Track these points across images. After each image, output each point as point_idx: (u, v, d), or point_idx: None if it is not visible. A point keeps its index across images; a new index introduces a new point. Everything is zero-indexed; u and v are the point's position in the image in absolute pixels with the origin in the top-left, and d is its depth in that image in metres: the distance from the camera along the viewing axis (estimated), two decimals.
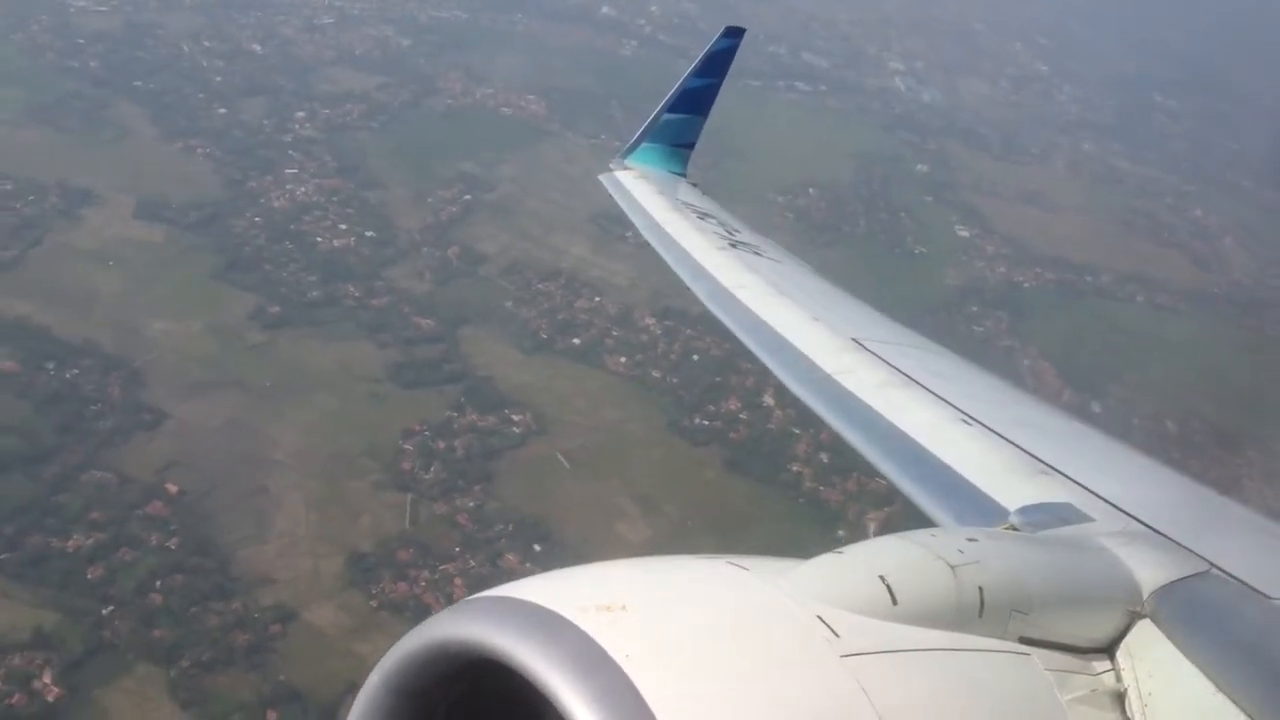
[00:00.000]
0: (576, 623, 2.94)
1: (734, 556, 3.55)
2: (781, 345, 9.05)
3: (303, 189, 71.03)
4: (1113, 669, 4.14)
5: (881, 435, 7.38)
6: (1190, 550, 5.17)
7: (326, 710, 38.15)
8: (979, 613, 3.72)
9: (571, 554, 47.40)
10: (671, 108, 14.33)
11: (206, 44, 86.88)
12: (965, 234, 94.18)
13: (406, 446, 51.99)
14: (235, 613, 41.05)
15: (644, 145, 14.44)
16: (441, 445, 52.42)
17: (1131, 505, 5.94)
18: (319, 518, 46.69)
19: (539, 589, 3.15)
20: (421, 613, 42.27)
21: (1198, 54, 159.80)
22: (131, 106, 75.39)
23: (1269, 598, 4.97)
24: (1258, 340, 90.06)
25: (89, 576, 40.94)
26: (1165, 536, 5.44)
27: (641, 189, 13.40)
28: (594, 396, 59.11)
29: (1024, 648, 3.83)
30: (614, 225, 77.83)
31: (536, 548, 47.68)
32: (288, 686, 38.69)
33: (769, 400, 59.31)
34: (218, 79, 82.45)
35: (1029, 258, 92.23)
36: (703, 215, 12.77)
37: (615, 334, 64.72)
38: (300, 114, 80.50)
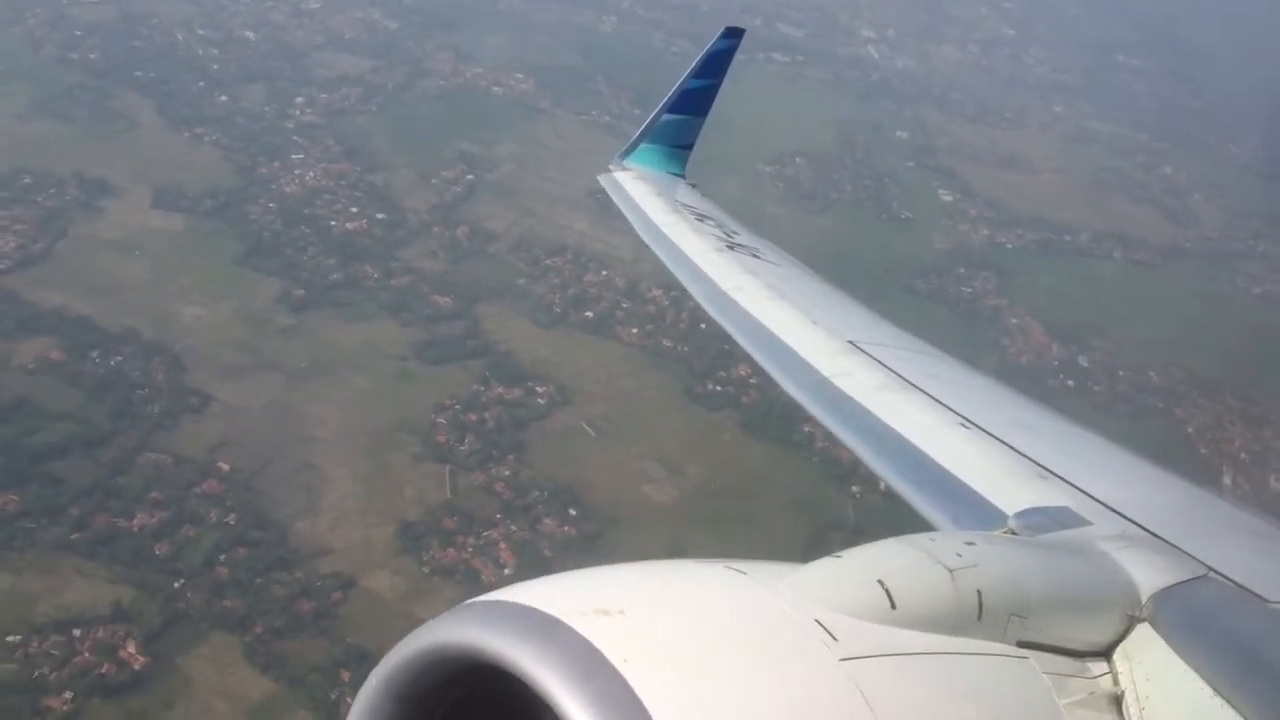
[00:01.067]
0: (575, 627, 2.95)
1: (732, 561, 3.54)
2: (779, 348, 9.11)
3: (311, 174, 72.66)
4: (1111, 672, 4.17)
5: (879, 439, 7.44)
6: (1188, 554, 5.18)
7: None
8: (977, 616, 3.74)
9: (605, 517, 50.25)
10: (670, 109, 14.31)
11: (200, 32, 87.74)
12: (948, 198, 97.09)
13: (440, 420, 54.23)
14: (298, 582, 43.29)
15: (643, 146, 14.46)
16: (473, 418, 54.70)
17: (1129, 509, 5.94)
18: (365, 490, 48.89)
19: (537, 593, 3.16)
20: (471, 577, 45.14)
21: (1157, 15, 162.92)
22: (135, 97, 76.47)
23: (1267, 601, 4.93)
24: (1230, 292, 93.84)
25: (157, 552, 43.01)
26: (1163, 540, 5.44)
27: (640, 190, 13.45)
28: (611, 367, 61.45)
29: (1022, 651, 3.86)
30: (611, 200, 79.89)
31: (572, 512, 50.15)
32: (356, 648, 40.90)
33: None
34: (215, 67, 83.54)
35: (1010, 219, 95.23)
36: (701, 217, 12.77)
37: (625, 306, 67.02)
38: (299, 99, 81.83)
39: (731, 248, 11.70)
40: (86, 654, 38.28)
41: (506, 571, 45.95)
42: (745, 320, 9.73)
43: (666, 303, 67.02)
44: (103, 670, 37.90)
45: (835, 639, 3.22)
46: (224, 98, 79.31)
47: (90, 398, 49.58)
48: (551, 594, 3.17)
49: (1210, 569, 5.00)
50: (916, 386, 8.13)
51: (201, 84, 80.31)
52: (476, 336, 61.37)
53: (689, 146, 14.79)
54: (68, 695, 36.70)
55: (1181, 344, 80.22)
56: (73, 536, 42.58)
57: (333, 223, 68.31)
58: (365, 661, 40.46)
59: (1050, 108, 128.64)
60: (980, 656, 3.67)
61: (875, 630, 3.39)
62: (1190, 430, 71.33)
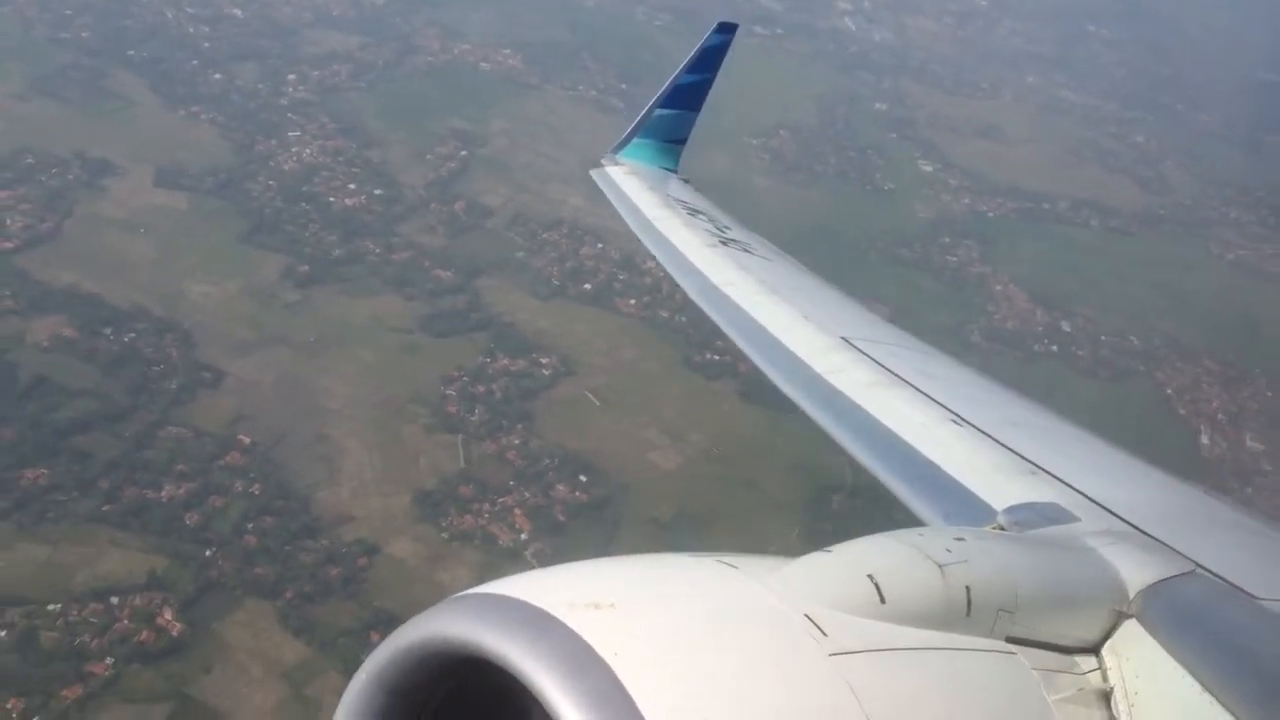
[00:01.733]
0: (565, 620, 2.96)
1: (723, 555, 3.57)
2: (771, 343, 9.09)
3: (308, 151, 73.47)
4: (1099, 668, 4.19)
5: (870, 435, 7.45)
6: (1176, 550, 5.20)
7: None
8: (966, 612, 3.76)
9: (614, 483, 51.83)
10: (664, 103, 14.23)
11: (189, 10, 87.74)
12: (929, 169, 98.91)
13: (449, 392, 55.58)
14: (324, 549, 44.68)
15: (635, 141, 14.37)
16: (480, 389, 56.08)
17: (1118, 505, 5.96)
18: (381, 460, 50.23)
19: (527, 587, 3.17)
20: (489, 541, 46.81)
21: None
22: (129, 76, 76.80)
23: (1254, 597, 4.96)
24: (1205, 258, 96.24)
25: (187, 523, 44.26)
26: (1151, 536, 5.47)
27: (632, 185, 13.39)
28: (611, 338, 62.90)
29: (1011, 647, 3.87)
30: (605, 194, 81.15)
31: (582, 478, 51.68)
32: (384, 612, 42.28)
33: None
34: (206, 45, 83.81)
35: (989, 189, 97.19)
36: (693, 212, 12.74)
37: (622, 278, 68.43)
38: (291, 77, 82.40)
39: (724, 243, 11.64)
40: (125, 621, 39.56)
41: (523, 537, 47.62)
42: (737, 315, 9.68)
43: (661, 274, 68.13)
44: (141, 637, 39.19)
45: (825, 634, 3.23)
46: (217, 76, 79.73)
47: (107, 374, 50.55)
48: (542, 587, 3.17)
49: (1198, 565, 4.99)
50: (908, 383, 8.12)
51: (194, 62, 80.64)
52: (479, 309, 62.69)
53: (682, 141, 14.66)
54: (109, 661, 37.94)
55: (1159, 309, 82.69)
56: (104, 508, 43.76)
57: (332, 199, 69.26)
58: (393, 624, 41.51)
59: (1024, 78, 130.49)
60: (969, 652, 3.69)
61: (865, 625, 3.40)
62: (1170, 392, 73.67)
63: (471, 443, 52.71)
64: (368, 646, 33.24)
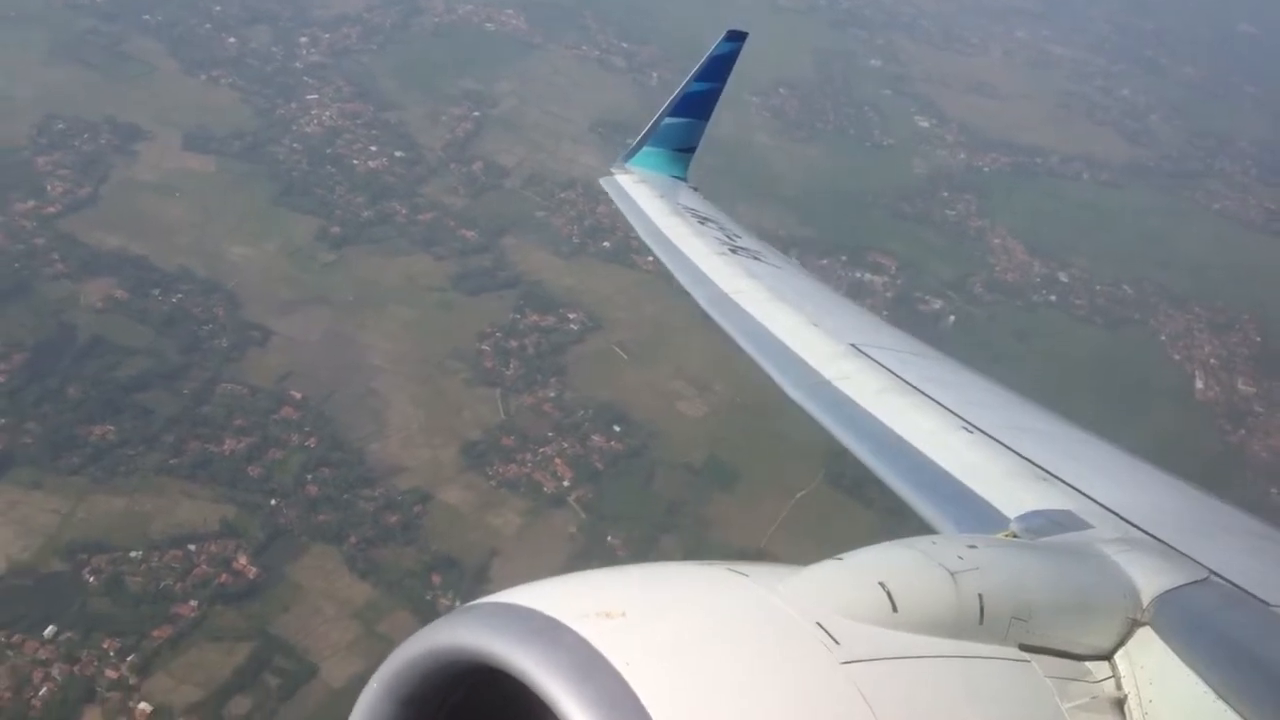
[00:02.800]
0: (576, 629, 2.95)
1: (733, 563, 3.53)
2: (781, 351, 9.06)
3: (327, 114, 75.17)
4: (1113, 676, 4.18)
5: (881, 442, 7.44)
6: (1190, 557, 5.19)
7: (479, 571, 44.65)
8: (979, 620, 3.75)
9: (646, 432, 54.36)
10: (673, 112, 14.24)
11: None
12: (925, 124, 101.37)
13: (484, 347, 57.91)
14: (381, 497, 47.06)
15: (645, 149, 14.40)
16: (514, 344, 58.42)
17: (1131, 512, 5.94)
18: (426, 413, 52.58)
19: (538, 595, 3.15)
20: (534, 488, 49.34)
21: None
22: (147, 41, 78.15)
23: (1268, 605, 4.92)
24: (1192, 208, 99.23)
25: (251, 474, 46.52)
26: (1165, 543, 5.45)
27: (642, 193, 13.41)
28: (632, 293, 65.19)
29: (1024, 655, 3.86)
30: (614, 134, 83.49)
31: (616, 428, 54.20)
32: (443, 554, 44.92)
33: None
34: (217, 8, 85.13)
35: (984, 143, 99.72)
36: (703, 220, 12.73)
37: (635, 235, 70.34)
38: (303, 39, 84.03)
39: (734, 251, 11.68)
40: (204, 566, 41.90)
41: (565, 484, 50.10)
42: (747, 323, 9.69)
43: None
44: (221, 580, 41.58)
45: (837, 642, 3.22)
46: (232, 39, 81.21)
47: (160, 334, 52.56)
48: (553, 596, 3.16)
49: (1212, 572, 4.97)
50: (918, 389, 8.13)
51: (208, 26, 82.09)
52: (505, 268, 64.89)
53: (691, 150, 14.70)
54: (193, 603, 40.27)
55: (1151, 259, 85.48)
56: (171, 461, 45.95)
57: (355, 161, 71.13)
58: (453, 566, 44.64)
59: (1012, 33, 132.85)
60: (982, 660, 3.68)
61: (877, 633, 3.40)
62: (1164, 338, 76.70)
63: (509, 395, 55.10)
64: (430, 587, 35.94)
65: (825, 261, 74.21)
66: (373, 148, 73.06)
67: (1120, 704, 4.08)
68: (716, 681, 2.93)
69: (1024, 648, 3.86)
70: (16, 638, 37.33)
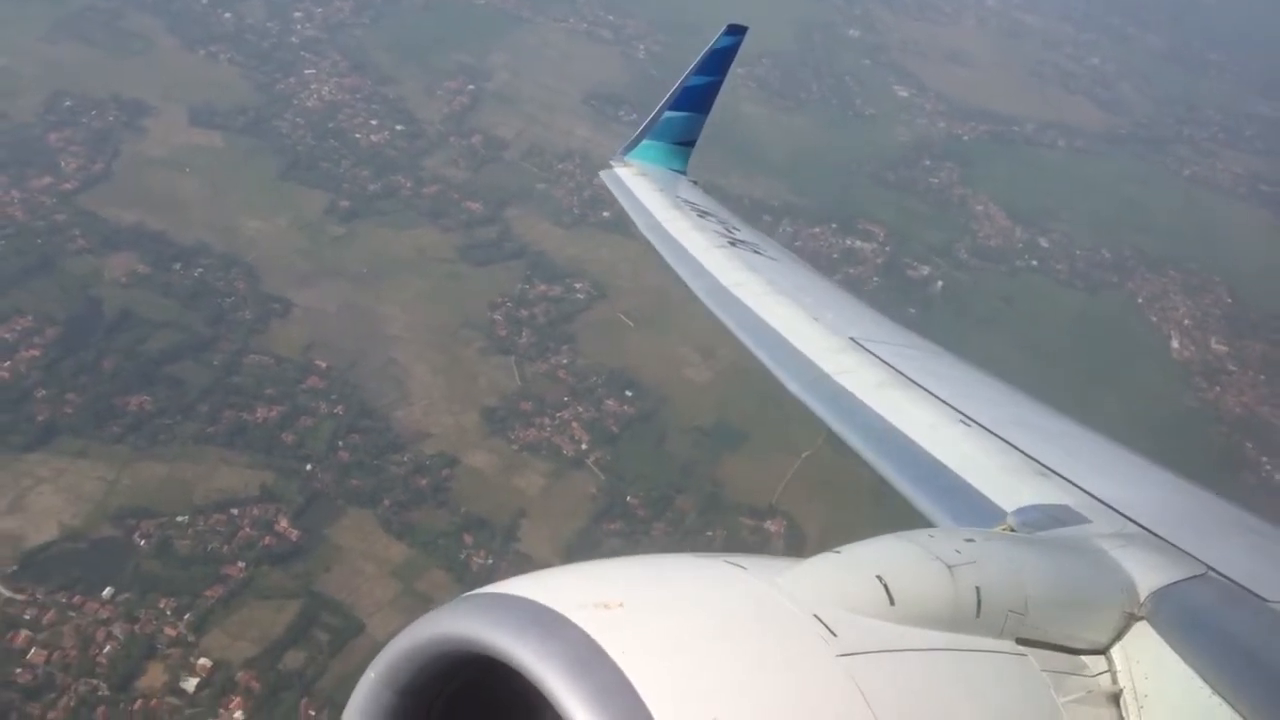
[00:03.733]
0: (574, 620, 2.96)
1: (732, 555, 3.56)
2: (780, 344, 9.04)
3: (326, 88, 76.35)
4: (1109, 670, 4.17)
5: (880, 435, 7.47)
6: (1187, 553, 5.19)
7: (508, 531, 46.71)
8: (976, 613, 3.75)
9: (657, 397, 56.50)
10: (673, 105, 14.21)
11: None
12: (904, 94, 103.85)
13: (496, 316, 59.79)
14: (410, 462, 48.97)
15: (645, 142, 14.37)
16: (524, 313, 60.38)
17: (1128, 507, 5.94)
18: (445, 381, 54.44)
19: (536, 586, 3.16)
20: (554, 451, 51.32)
21: None
22: (145, 17, 78.77)
23: (1265, 600, 4.92)
24: (1163, 175, 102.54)
25: (285, 441, 48.24)
26: (1162, 539, 5.45)
27: (642, 186, 13.36)
28: (634, 262, 66.94)
29: (1020, 648, 3.86)
30: (606, 105, 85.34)
31: (628, 393, 56.33)
32: (473, 516, 46.90)
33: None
34: None
35: (962, 112, 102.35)
36: (703, 213, 12.70)
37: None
38: (298, 14, 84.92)
39: (733, 244, 11.68)
40: (247, 529, 43.68)
41: (583, 446, 52.16)
42: (747, 316, 9.65)
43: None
44: (265, 542, 43.37)
45: (834, 634, 3.22)
46: (227, 15, 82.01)
47: (185, 307, 53.98)
48: (550, 587, 3.15)
49: (1209, 568, 4.98)
50: (917, 384, 8.15)
51: (204, 1, 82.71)
52: (510, 239, 66.70)
53: (691, 143, 14.66)
54: (240, 564, 42.07)
55: (1126, 224, 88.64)
56: (208, 430, 47.57)
57: (357, 136, 72.46)
58: (483, 526, 46.64)
59: (983, 1, 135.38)
60: (979, 653, 3.69)
61: (874, 626, 3.40)
62: (1141, 301, 79.74)
63: (524, 363, 57.06)
64: (462, 547, 38.03)
65: (817, 229, 76.63)
66: (373, 122, 74.40)
67: (1116, 698, 4.10)
68: (714, 673, 2.94)
69: (1021, 641, 3.88)
70: (77, 598, 39.01)
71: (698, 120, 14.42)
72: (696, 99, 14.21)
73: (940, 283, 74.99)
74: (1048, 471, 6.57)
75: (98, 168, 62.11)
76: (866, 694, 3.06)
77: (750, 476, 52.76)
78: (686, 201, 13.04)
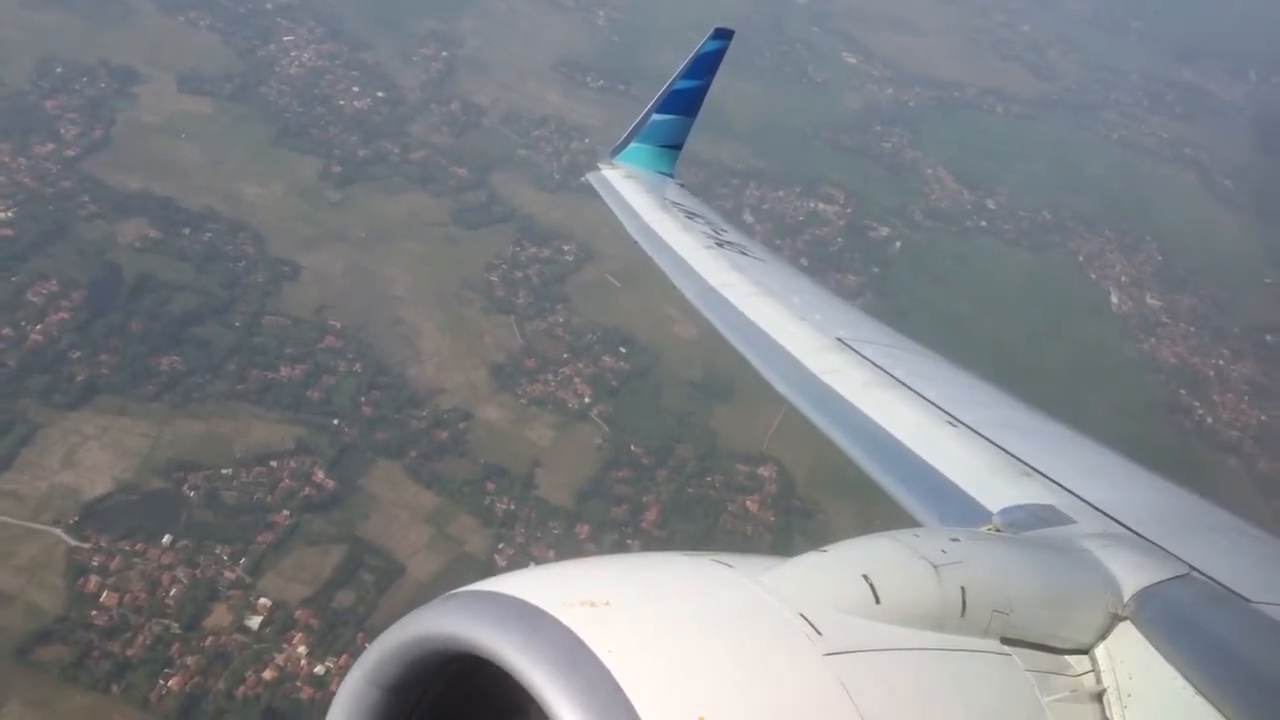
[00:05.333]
0: (560, 618, 2.95)
1: (718, 554, 3.56)
2: (767, 344, 9.07)
3: (306, 55, 78.05)
4: (1093, 670, 4.18)
5: (866, 435, 7.49)
6: (1170, 553, 5.20)
7: (526, 479, 50.01)
8: (961, 612, 3.76)
9: (649, 353, 60.08)
10: (660, 108, 14.28)
11: None
12: (852, 61, 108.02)
13: (492, 278, 62.80)
14: (429, 416, 52.08)
15: (632, 145, 14.44)
16: (519, 274, 63.52)
17: (1113, 508, 5.95)
18: (452, 339, 57.43)
19: (522, 584, 3.15)
20: (559, 405, 54.68)
21: None
22: None
23: (1248, 601, 4.88)
24: (1094, 139, 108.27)
25: (311, 398, 50.97)
26: (1146, 539, 5.46)
27: (629, 188, 13.44)
28: (615, 226, 69.11)
29: (1005, 648, 3.87)
30: (574, 72, 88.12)
31: (622, 349, 59.97)
32: (493, 465, 50.17)
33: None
34: None
35: (907, 78, 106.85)
36: (690, 215, 12.79)
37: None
38: None
39: (720, 245, 11.76)
40: (287, 480, 46.55)
41: (586, 400, 55.63)
42: (734, 316, 9.69)
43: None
44: (305, 491, 46.30)
45: (820, 633, 3.23)
46: None
47: (200, 271, 56.12)
48: (537, 585, 3.15)
49: (1192, 568, 4.97)
50: (904, 384, 8.19)
51: None
52: (498, 203, 69.59)
53: (678, 146, 14.74)
54: (285, 513, 45.01)
55: (1064, 186, 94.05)
56: (238, 388, 50.15)
57: (341, 102, 74.49)
58: (503, 475, 49.90)
59: None
60: (963, 653, 3.70)
61: (859, 625, 3.41)
62: (1081, 259, 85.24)
63: (523, 321, 60.21)
64: (486, 494, 41.62)
65: (782, 193, 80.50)
66: (355, 88, 76.36)
67: (1099, 698, 4.10)
68: (699, 671, 2.94)
69: (1005, 641, 3.88)
70: (139, 546, 41.73)
71: (685, 123, 14.60)
72: (684, 102, 14.36)
73: (899, 243, 79.43)
74: (1033, 472, 6.63)
75: (97, 134, 63.49)
76: (851, 692, 3.08)
77: (740, 426, 56.53)
78: (674, 203, 13.17)
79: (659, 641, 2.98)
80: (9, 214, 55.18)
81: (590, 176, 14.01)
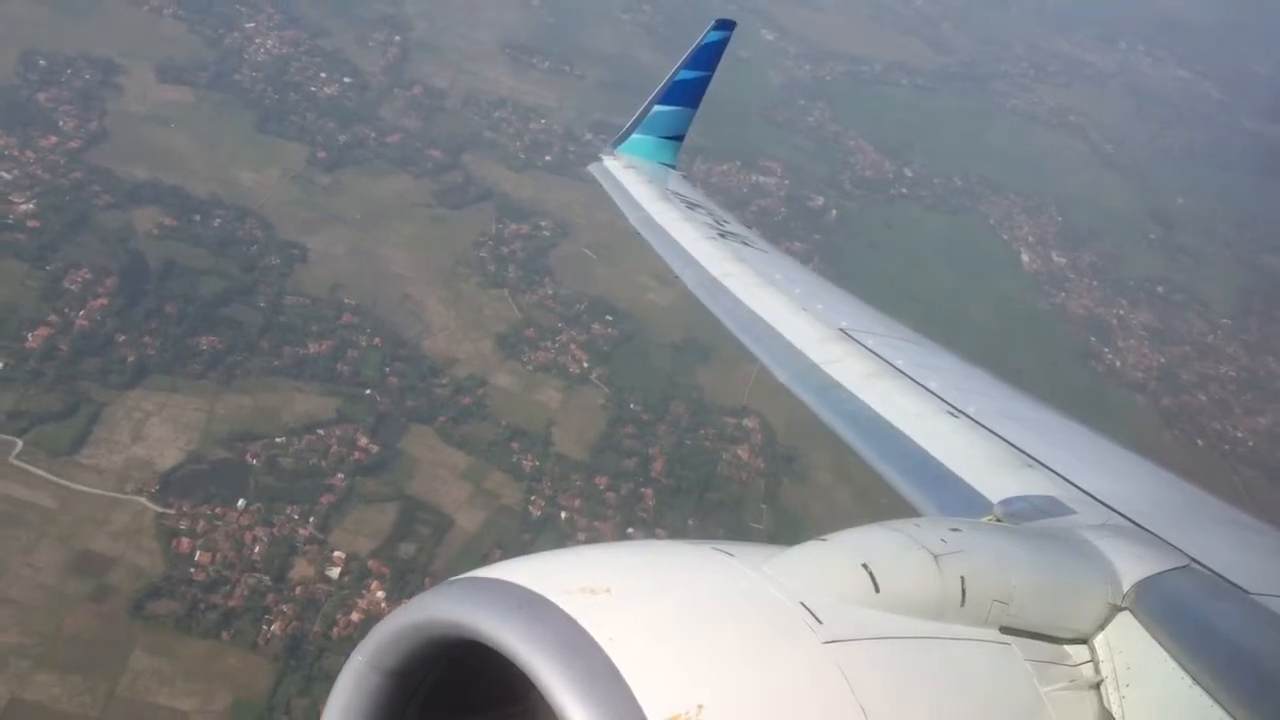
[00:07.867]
0: (560, 605, 2.97)
1: (719, 542, 3.57)
2: (769, 334, 9.13)
3: (270, 42, 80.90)
4: (1092, 660, 4.19)
5: (868, 425, 7.54)
6: (1170, 544, 5.21)
7: (544, 438, 55.21)
8: (960, 602, 3.76)
9: (633, 320, 65.55)
10: (662, 100, 14.46)
11: None
12: (770, 37, 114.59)
13: (482, 254, 67.52)
14: (449, 384, 56.77)
15: (634, 136, 14.57)
16: (506, 250, 68.25)
17: (1113, 499, 5.99)
18: (456, 313, 62.08)
19: (523, 571, 3.18)
20: (561, 370, 59.94)
21: None
22: None
23: (1247, 592, 4.93)
24: (991, 108, 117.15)
25: (341, 371, 55.18)
26: (1146, 530, 5.49)
27: (631, 178, 13.48)
28: (583, 202, 75.18)
29: (1004, 637, 3.88)
30: (520, 54, 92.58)
31: (609, 318, 65.30)
32: (514, 427, 55.19)
33: None
34: None
35: (820, 54, 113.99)
36: (692, 205, 12.83)
37: (572, 149, 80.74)
38: None
39: (722, 235, 11.83)
40: (336, 446, 50.84)
41: (585, 365, 60.94)
42: (736, 306, 9.80)
43: (599, 144, 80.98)
44: (354, 456, 50.69)
45: (820, 622, 3.23)
46: None
47: (218, 255, 59.54)
48: (538, 572, 3.18)
49: (1192, 559, 5.01)
50: (905, 374, 8.22)
51: None
52: (474, 183, 74.12)
53: (680, 137, 14.95)
54: (340, 476, 49.44)
55: (970, 153, 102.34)
56: (275, 364, 54.07)
57: (313, 88, 77.83)
58: (523, 435, 54.97)
59: None
60: (962, 641, 3.70)
61: (859, 614, 3.41)
62: (993, 222, 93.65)
63: (516, 294, 65.10)
64: (512, 452, 47.41)
65: (725, 167, 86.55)
66: (322, 75, 79.64)
67: (1098, 687, 4.11)
68: (699, 658, 2.95)
69: (1005, 630, 3.89)
70: (218, 510, 45.78)
71: (687, 114, 14.84)
72: (686, 93, 14.59)
73: (834, 211, 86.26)
74: (1034, 463, 6.66)
75: (94, 126, 65.85)
76: (851, 680, 3.08)
77: (721, 383, 62.39)
78: (676, 194, 13.28)
79: (659, 629, 3.02)
80: (31, 205, 57.71)
81: (592, 167, 14.29)
